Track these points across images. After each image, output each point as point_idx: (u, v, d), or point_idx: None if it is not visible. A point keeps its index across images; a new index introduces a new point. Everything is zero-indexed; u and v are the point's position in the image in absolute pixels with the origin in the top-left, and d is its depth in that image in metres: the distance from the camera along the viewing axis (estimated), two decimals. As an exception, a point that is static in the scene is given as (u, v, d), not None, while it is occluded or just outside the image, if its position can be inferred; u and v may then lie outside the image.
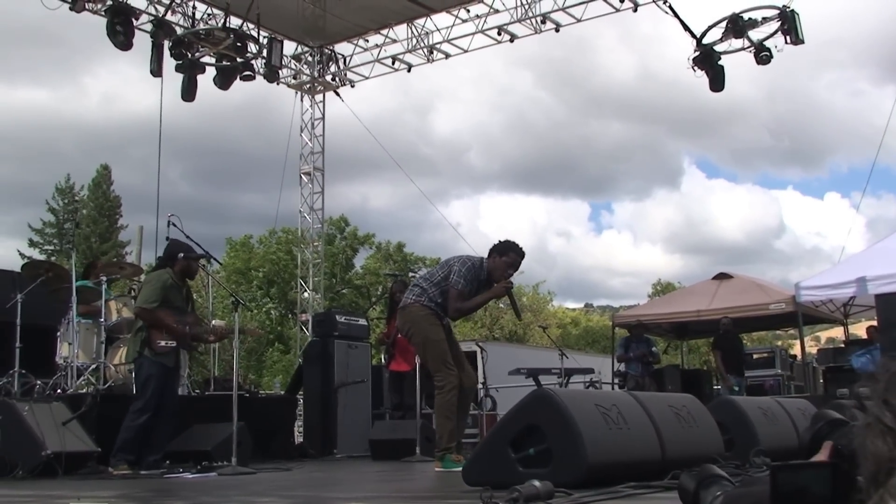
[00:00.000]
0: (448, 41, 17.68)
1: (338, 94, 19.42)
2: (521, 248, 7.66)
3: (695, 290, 19.23)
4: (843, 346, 18.61)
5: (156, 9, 14.62)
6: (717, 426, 6.16)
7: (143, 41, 13.45)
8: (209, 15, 14.90)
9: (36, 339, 10.00)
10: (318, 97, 19.70)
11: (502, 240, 7.66)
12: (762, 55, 13.77)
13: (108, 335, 10.03)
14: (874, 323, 14.15)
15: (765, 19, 13.70)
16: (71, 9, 13.62)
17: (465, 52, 17.79)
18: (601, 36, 77.39)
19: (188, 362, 11.69)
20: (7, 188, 68.44)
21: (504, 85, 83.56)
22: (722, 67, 14.16)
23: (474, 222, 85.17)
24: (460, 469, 6.25)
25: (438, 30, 17.64)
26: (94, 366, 9.77)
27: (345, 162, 60.09)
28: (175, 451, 8.72)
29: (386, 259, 47.15)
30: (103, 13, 13.30)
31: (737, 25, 13.63)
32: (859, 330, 18.36)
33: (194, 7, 14.75)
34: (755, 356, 18.00)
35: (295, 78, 19.38)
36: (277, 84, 18.26)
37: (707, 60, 14.03)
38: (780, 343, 29.06)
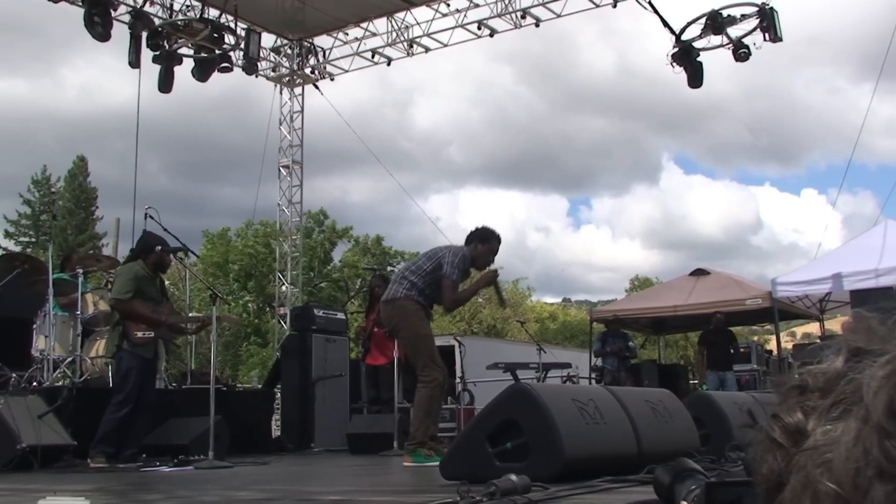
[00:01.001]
0: (428, 35, 17.66)
1: (317, 87, 19.37)
2: (499, 234, 7.74)
3: (672, 285, 19.32)
4: (818, 341, 18.75)
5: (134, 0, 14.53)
6: (693, 421, 6.20)
7: (121, 32, 13.37)
8: (187, 6, 14.82)
9: (12, 332, 9.95)
10: (298, 90, 19.63)
11: (479, 226, 7.70)
12: (741, 52, 13.83)
13: (85, 328, 9.98)
14: (849, 319, 14.25)
15: (743, 16, 13.76)
16: (48, -1, 13.52)
17: (445, 46, 17.78)
18: (581, 32, 77.63)
19: (165, 355, 11.66)
20: (-18, 179, 67.89)
21: (484, 80, 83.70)
22: (701, 64, 14.21)
23: (454, 217, 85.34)
24: (432, 463, 6.28)
25: (418, 23, 17.62)
26: (70, 359, 9.71)
27: (324, 155, 60.01)
28: (152, 445, 8.69)
29: (364, 253, 47.09)
30: (80, 3, 13.20)
31: (716, 22, 13.68)
32: (835, 326, 18.51)
33: (172, -2, 14.68)
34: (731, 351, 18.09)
35: (274, 70, 19.31)
36: (256, 76, 18.20)
37: (686, 57, 14.08)
38: (756, 338, 29.19)
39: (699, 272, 18.24)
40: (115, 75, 67.63)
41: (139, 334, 8.04)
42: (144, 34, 13.24)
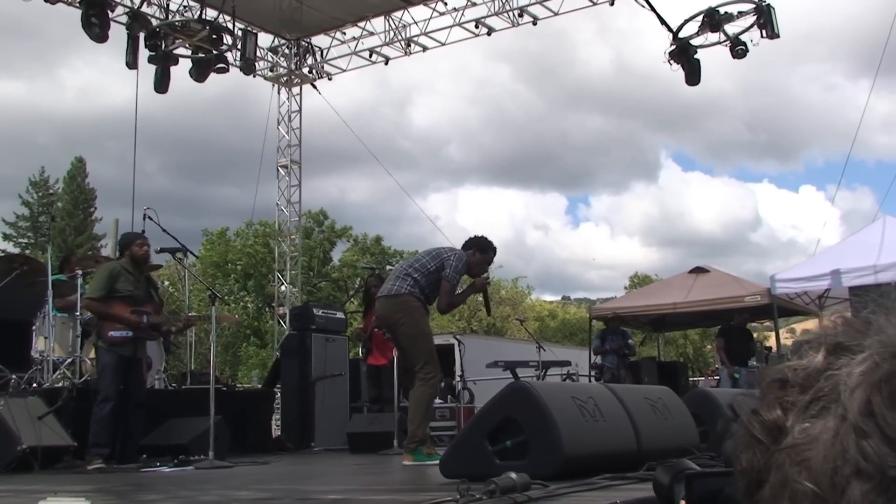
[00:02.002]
0: (425, 34, 17.66)
1: (315, 86, 19.37)
2: (495, 246, 7.87)
3: (671, 283, 19.31)
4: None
5: (131, 0, 14.52)
6: (693, 418, 6.20)
7: (119, 33, 13.36)
8: (185, 7, 14.82)
9: (11, 333, 9.95)
10: (295, 90, 19.63)
11: (478, 236, 7.81)
12: (738, 49, 13.83)
13: (84, 329, 9.97)
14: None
15: (741, 13, 13.75)
16: (45, 0, 13.51)
17: (443, 45, 17.78)
18: (578, 30, 77.54)
19: (164, 356, 11.65)
20: (-20, 181, 67.80)
21: (482, 78, 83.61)
22: (698, 61, 14.20)
23: (452, 215, 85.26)
24: (433, 462, 6.29)
25: (416, 22, 17.62)
26: (69, 360, 9.71)
27: (322, 155, 59.96)
28: (152, 445, 8.69)
29: (363, 252, 47.08)
30: (78, 4, 13.20)
31: (713, 19, 13.68)
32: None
33: (169, -1, 14.68)
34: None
35: (271, 70, 19.30)
36: (254, 76, 18.19)
37: (683, 54, 14.08)
38: (755, 335, 29.20)
39: (698, 270, 18.24)
40: (113, 76, 67.61)
41: (113, 334, 8.01)
42: (142, 35, 13.23)
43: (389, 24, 17.73)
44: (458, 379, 16.31)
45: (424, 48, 17.98)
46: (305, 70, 19.14)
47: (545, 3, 16.27)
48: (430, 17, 17.36)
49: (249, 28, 15.92)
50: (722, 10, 13.71)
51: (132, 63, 13.35)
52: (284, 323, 18.27)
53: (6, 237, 48.14)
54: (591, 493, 4.21)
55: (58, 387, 9.24)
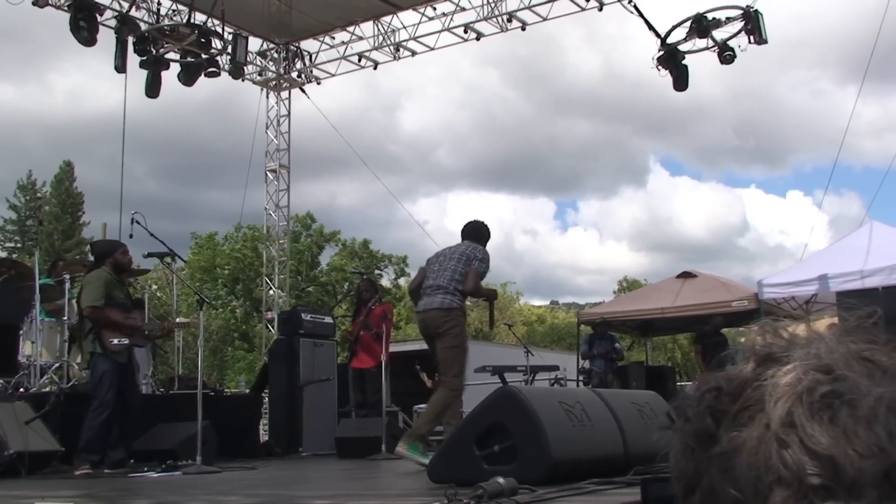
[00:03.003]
0: (415, 39, 17.67)
1: (304, 90, 19.36)
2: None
3: (659, 287, 19.37)
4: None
5: (120, 4, 14.48)
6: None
7: (108, 37, 13.34)
8: (174, 11, 14.80)
9: (-2, 338, 9.91)
10: (284, 94, 19.61)
11: (481, 226, 8.15)
12: (726, 55, 13.88)
13: (72, 334, 9.95)
14: (835, 320, 14.31)
15: (729, 19, 13.81)
16: (34, 3, 13.49)
17: (432, 49, 17.79)
18: (567, 35, 77.49)
19: (152, 361, 11.63)
20: (-33, 185, 67.41)
21: (471, 83, 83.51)
22: (686, 67, 14.25)
23: (441, 220, 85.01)
24: (422, 460, 6.35)
25: (405, 27, 17.62)
26: (57, 364, 9.69)
27: (312, 159, 59.83)
28: (140, 450, 8.68)
29: (352, 257, 47.02)
30: (67, 8, 13.18)
31: (701, 25, 13.73)
32: (821, 327, 18.57)
33: (159, 3, 14.64)
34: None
35: (260, 74, 19.28)
36: (243, 81, 18.17)
37: (671, 60, 14.13)
38: (742, 340, 29.27)
39: (686, 274, 18.30)
40: (103, 80, 67.14)
41: (115, 342, 8.00)
42: (131, 39, 13.22)
43: (378, 29, 17.73)
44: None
45: (413, 53, 17.99)
46: (294, 74, 19.13)
47: (534, 9, 16.30)
48: (420, 22, 17.38)
49: (239, 32, 15.90)
50: (710, 15, 13.77)
51: (121, 67, 13.32)
52: (272, 327, 18.23)
53: (-7, 241, 47.94)
54: (578, 498, 4.22)
55: (45, 392, 9.22)
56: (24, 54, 72.16)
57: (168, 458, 8.34)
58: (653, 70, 14.22)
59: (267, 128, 19.49)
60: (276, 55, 19.03)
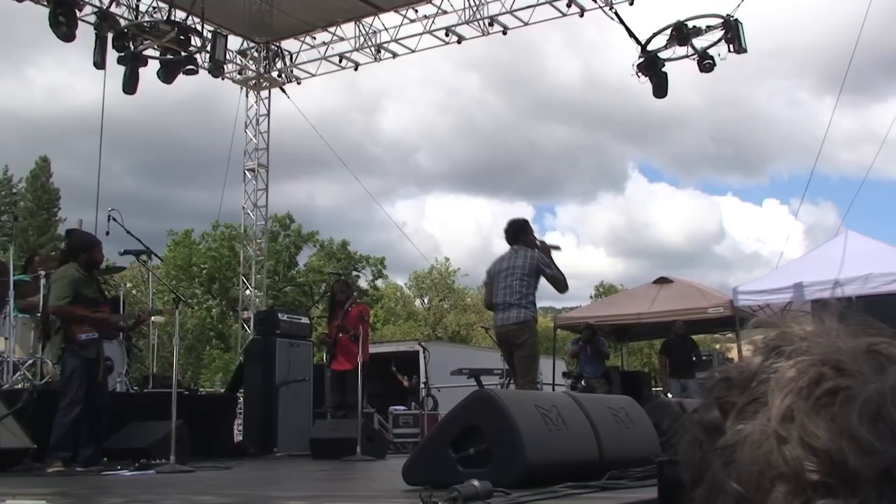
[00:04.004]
0: (395, 41, 17.67)
1: (283, 90, 19.31)
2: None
3: (636, 293, 19.44)
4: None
5: (100, 0, 14.42)
6: (654, 428, 6.25)
7: (88, 33, 13.26)
8: (154, 8, 14.73)
9: (-29, 334, 9.82)
10: (264, 93, 19.56)
11: (520, 222, 8.99)
12: (705, 63, 13.97)
13: (45, 330, 9.88)
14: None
15: (709, 28, 13.90)
16: (12, -2, 13.40)
17: (413, 52, 17.80)
18: (548, 40, 77.54)
19: (126, 359, 11.57)
20: (-59, 179, 66.73)
21: (451, 86, 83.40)
22: (665, 74, 14.33)
23: (420, 222, 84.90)
24: None
25: (386, 29, 17.62)
26: (30, 361, 9.63)
27: (291, 159, 59.62)
28: (113, 449, 8.62)
29: (329, 257, 46.97)
30: (46, 3, 13.09)
31: (681, 33, 13.81)
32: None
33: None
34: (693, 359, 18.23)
35: (240, 73, 19.22)
36: (223, 79, 18.12)
37: (651, 67, 14.20)
38: (718, 346, 29.40)
39: (662, 280, 18.38)
40: (81, 76, 66.61)
41: (82, 336, 7.96)
42: (110, 35, 13.14)
43: (360, 30, 17.71)
44: (422, 386, 16.31)
45: (394, 55, 17.99)
46: (274, 74, 19.08)
47: (515, 13, 16.34)
48: (401, 24, 17.38)
49: (218, 30, 15.84)
50: (690, 24, 13.85)
51: (100, 63, 13.25)
52: (249, 327, 18.18)
53: (-33, 236, 47.52)
54: (553, 502, 4.23)
55: (18, 388, 9.15)
56: (2, 49, 71.58)
57: (141, 457, 8.29)
58: (633, 77, 14.30)
59: (246, 127, 19.44)
60: (256, 54, 18.98)
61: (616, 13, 14.44)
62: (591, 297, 58.97)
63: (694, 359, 15.96)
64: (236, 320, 24.89)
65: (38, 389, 9.08)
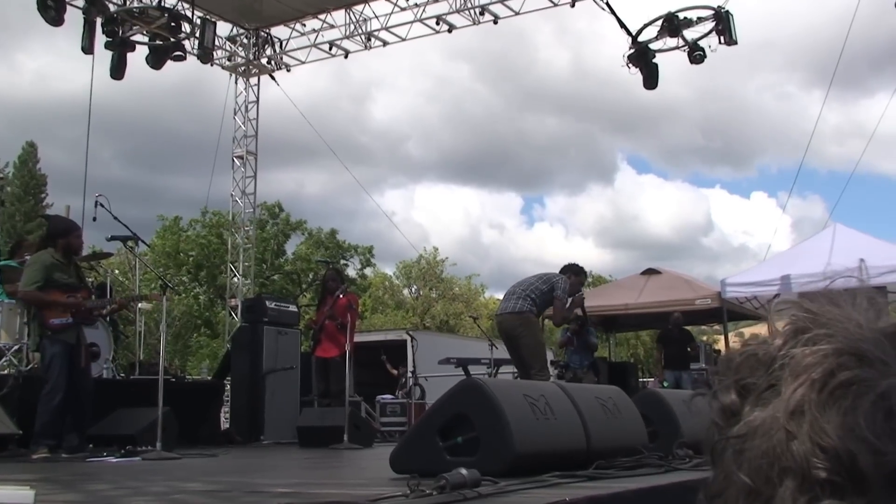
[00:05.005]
0: (386, 29, 17.63)
1: (273, 77, 19.25)
2: (586, 271, 10.36)
3: (623, 284, 19.50)
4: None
5: (88, -16, 14.32)
6: (642, 418, 6.26)
7: (77, 17, 13.17)
8: (143, -7, 14.64)
9: (-44, 319, 9.77)
10: (253, 80, 19.50)
11: (573, 263, 9.80)
12: (696, 54, 13.97)
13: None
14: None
15: (700, 19, 13.90)
16: (0, -19, 13.32)
17: (403, 40, 17.76)
18: (538, 30, 77.44)
19: (112, 345, 11.52)
20: (-73, 164, 66.32)
21: (442, 76, 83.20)
22: (656, 66, 14.33)
23: (409, 212, 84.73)
24: None
25: (377, 17, 17.58)
26: (16, 347, 9.58)
27: (279, 147, 59.55)
28: (99, 435, 8.60)
29: (318, 246, 46.87)
30: (34, -13, 12.99)
31: (672, 24, 13.81)
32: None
33: (128, -16, 14.50)
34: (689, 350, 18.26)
35: (230, 60, 19.15)
36: (212, 66, 18.04)
37: (642, 58, 14.19)
38: (705, 338, 29.51)
39: (650, 271, 18.43)
40: (70, 61, 66.22)
41: (55, 321, 7.91)
42: (99, 20, 13.07)
43: (350, 18, 17.66)
44: (410, 375, 16.32)
45: (385, 43, 17.95)
46: (264, 61, 19.01)
47: (506, 2, 16.32)
48: (391, 12, 17.34)
49: (208, 16, 15.76)
50: (681, 15, 13.85)
51: (88, 48, 13.19)
52: (236, 315, 18.14)
53: (-47, 222, 47.28)
54: (540, 491, 4.23)
55: (3, 374, 9.11)
56: (-12, 33, 71.10)
57: (128, 444, 8.27)
58: (623, 68, 14.29)
59: (235, 113, 19.39)
60: (245, 41, 18.91)
61: (607, 3, 14.40)
62: (579, 287, 59.05)
63: (689, 350, 16.00)
64: (223, 308, 24.83)
65: (24, 375, 9.05)
